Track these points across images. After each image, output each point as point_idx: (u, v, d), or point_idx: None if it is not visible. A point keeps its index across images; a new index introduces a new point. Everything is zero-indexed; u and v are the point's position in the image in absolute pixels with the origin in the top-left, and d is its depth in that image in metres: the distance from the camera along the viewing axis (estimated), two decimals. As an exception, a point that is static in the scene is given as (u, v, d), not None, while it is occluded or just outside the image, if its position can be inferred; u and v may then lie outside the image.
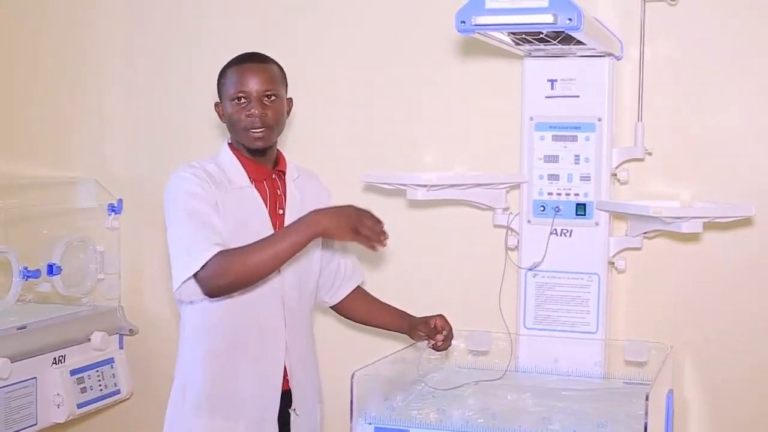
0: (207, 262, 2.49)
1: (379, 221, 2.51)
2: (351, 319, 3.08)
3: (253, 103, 2.66)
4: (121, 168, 4.01)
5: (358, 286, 3.03)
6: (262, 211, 2.71)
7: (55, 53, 4.11)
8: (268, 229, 2.68)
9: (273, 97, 2.69)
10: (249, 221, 2.68)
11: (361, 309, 3.03)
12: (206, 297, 2.56)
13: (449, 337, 2.92)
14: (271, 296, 2.70)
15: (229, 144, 2.77)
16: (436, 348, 2.92)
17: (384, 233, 2.51)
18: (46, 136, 4.13)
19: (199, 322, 2.70)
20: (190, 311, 2.71)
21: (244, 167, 2.71)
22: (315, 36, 3.69)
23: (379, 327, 3.05)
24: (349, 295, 3.00)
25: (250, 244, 2.51)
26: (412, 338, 2.96)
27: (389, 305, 3.02)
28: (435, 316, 2.91)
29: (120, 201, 3.91)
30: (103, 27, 4.04)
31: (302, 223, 2.51)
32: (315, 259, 2.84)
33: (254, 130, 2.66)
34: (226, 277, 2.50)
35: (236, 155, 2.73)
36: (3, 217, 3.86)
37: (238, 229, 2.63)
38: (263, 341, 2.71)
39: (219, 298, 2.59)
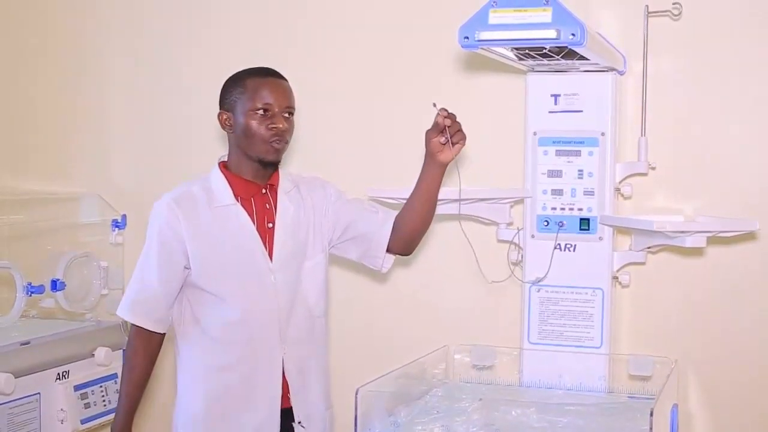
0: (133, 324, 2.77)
1: None
2: (410, 237, 2.92)
3: (277, 117, 2.70)
4: (124, 183, 4.01)
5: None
6: (248, 226, 2.73)
7: (57, 68, 4.13)
8: (256, 244, 2.73)
9: (290, 114, 2.74)
10: (236, 238, 2.73)
11: (407, 227, 2.88)
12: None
13: (452, 118, 2.67)
14: (267, 314, 2.73)
15: (220, 163, 2.81)
16: (454, 137, 2.68)
17: None
18: (49, 152, 4.14)
19: (194, 341, 2.76)
20: (183, 335, 2.78)
21: (231, 186, 2.75)
22: (317, 49, 3.71)
23: (426, 201, 2.85)
24: (389, 245, 2.91)
25: (131, 369, 2.76)
26: (439, 159, 2.72)
27: (413, 193, 2.86)
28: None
29: (124, 216, 3.92)
30: (105, 42, 4.05)
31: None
32: (313, 269, 2.84)
33: (275, 143, 2.69)
34: (127, 347, 2.80)
35: (225, 174, 2.77)
36: (7, 232, 3.86)
37: (224, 245, 2.71)
38: (257, 359, 2.73)
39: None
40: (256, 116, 2.69)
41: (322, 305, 2.87)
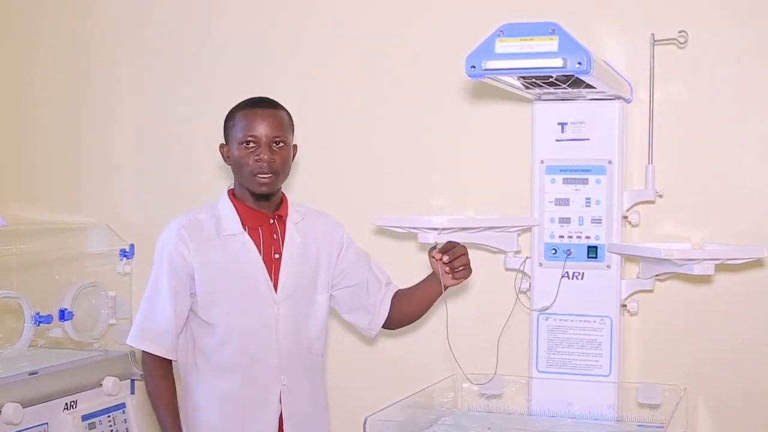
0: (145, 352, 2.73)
1: None
2: (399, 323, 2.99)
3: (262, 148, 2.68)
4: (132, 213, 4.02)
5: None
6: (254, 256, 2.72)
7: (64, 99, 4.15)
8: (261, 273, 2.72)
9: (281, 144, 2.71)
10: (241, 266, 2.71)
11: (399, 314, 2.94)
12: None
13: (457, 254, 2.72)
14: (267, 345, 2.72)
15: (229, 191, 2.80)
16: (454, 274, 2.74)
17: None
18: (57, 182, 4.16)
19: (196, 369, 2.75)
20: (184, 362, 2.78)
21: (239, 214, 2.74)
22: (325, 79, 3.72)
23: (420, 307, 2.93)
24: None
25: (159, 393, 2.70)
26: (439, 280, 2.77)
27: (415, 287, 2.91)
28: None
29: (131, 246, 3.92)
30: (112, 74, 4.07)
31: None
32: (317, 305, 2.83)
33: (261, 176, 2.68)
34: (144, 375, 2.75)
35: (234, 202, 2.76)
36: (15, 262, 3.86)
37: (230, 275, 2.70)
38: (256, 389, 2.72)
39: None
40: (244, 149, 2.68)
41: (321, 344, 2.85)
